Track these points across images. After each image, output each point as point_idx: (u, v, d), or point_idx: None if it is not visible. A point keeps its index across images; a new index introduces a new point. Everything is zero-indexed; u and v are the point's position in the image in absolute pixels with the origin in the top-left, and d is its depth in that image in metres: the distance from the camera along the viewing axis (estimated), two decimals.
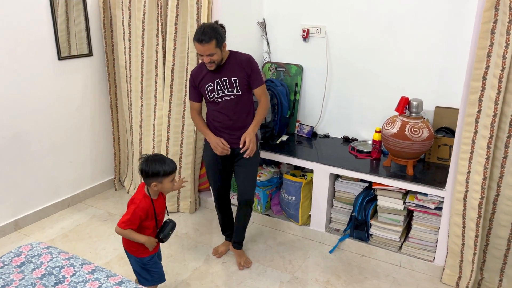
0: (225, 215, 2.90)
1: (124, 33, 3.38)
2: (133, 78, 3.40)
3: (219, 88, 2.52)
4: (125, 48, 3.41)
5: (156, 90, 3.32)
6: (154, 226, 2.22)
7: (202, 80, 2.55)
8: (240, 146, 2.55)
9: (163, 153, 3.36)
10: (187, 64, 3.11)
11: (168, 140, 3.31)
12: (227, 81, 2.50)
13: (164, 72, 3.24)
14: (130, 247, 2.24)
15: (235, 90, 2.52)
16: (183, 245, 3.03)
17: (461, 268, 2.56)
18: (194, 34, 2.38)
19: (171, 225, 2.27)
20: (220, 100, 2.54)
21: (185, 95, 3.19)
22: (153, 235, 2.24)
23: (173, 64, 3.14)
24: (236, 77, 2.50)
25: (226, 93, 2.52)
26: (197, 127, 2.73)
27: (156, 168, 2.07)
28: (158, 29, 3.17)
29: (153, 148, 3.42)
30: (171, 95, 3.22)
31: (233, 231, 2.86)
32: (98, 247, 3.00)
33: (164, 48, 3.20)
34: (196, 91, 2.62)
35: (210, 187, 2.94)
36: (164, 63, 3.22)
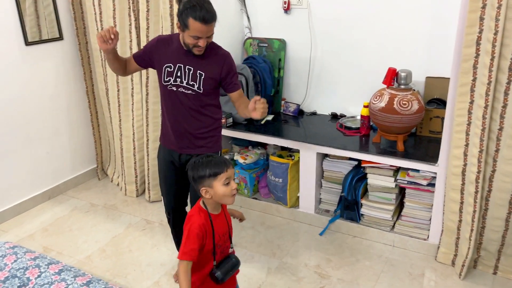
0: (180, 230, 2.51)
1: (95, 13, 3.17)
2: None
3: (178, 74, 2.06)
4: (97, 29, 3.21)
5: None
6: (212, 256, 1.68)
7: (165, 55, 2.09)
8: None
9: (143, 139, 3.21)
10: None
11: (147, 125, 3.16)
12: (191, 71, 2.05)
13: None
14: None
15: (196, 86, 2.06)
16: (167, 234, 2.90)
17: (457, 246, 2.45)
18: (190, 11, 1.88)
19: (234, 261, 1.73)
20: (174, 89, 2.08)
21: None
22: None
23: None
24: (204, 72, 2.05)
25: (184, 84, 2.06)
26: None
27: (202, 170, 1.64)
28: (129, 8, 2.96)
29: (133, 134, 3.26)
30: (147, 78, 3.04)
31: None
32: (79, 240, 2.88)
33: (137, 27, 3.01)
34: (147, 57, 2.14)
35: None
36: (138, 44, 3.04)
